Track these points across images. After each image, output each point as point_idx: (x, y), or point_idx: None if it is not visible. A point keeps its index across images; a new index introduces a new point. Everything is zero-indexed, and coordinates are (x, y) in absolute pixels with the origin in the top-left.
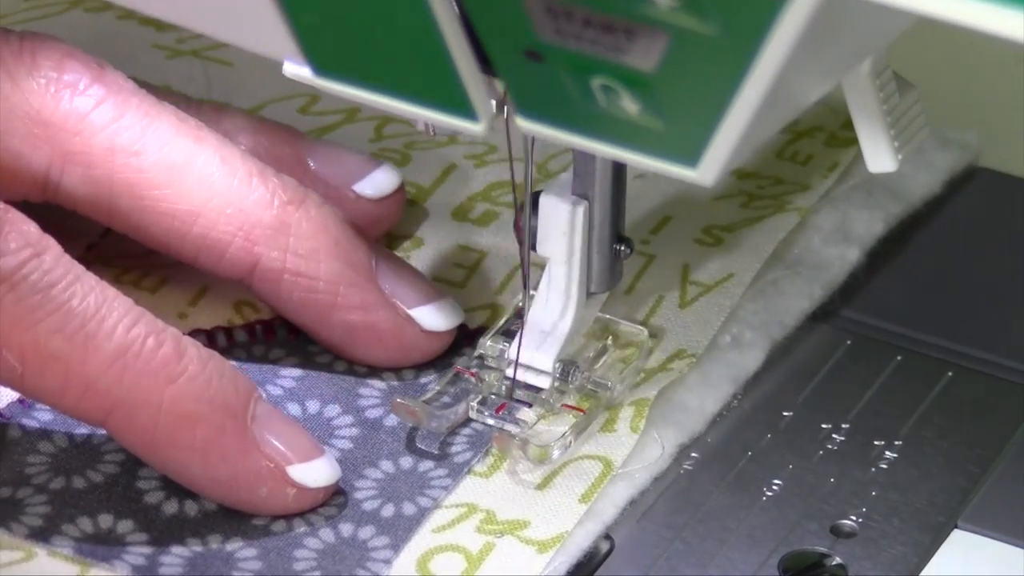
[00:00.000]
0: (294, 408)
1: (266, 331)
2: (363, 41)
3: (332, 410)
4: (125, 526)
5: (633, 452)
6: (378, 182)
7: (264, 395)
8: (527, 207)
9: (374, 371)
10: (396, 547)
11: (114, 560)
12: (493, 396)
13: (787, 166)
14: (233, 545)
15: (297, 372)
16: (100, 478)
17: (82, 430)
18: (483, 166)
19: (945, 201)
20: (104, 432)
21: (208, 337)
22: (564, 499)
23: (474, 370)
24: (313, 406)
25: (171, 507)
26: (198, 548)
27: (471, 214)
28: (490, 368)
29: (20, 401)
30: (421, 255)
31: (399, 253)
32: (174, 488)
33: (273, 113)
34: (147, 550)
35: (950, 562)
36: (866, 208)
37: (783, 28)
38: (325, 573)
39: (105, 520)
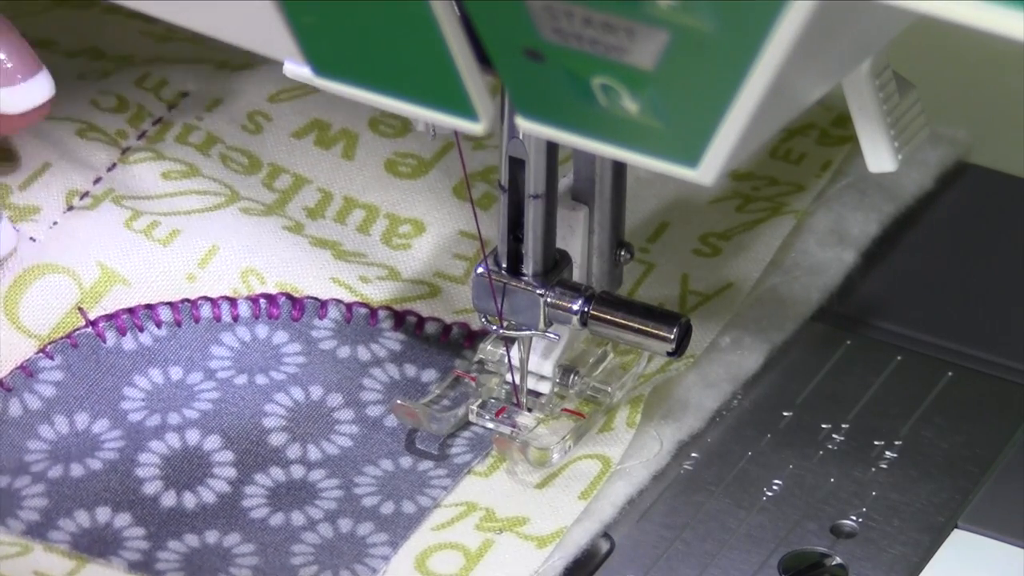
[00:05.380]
0: (297, 392)
1: (270, 304)
2: (363, 41)
3: (334, 399)
4: (123, 520)
5: (632, 449)
6: (12, 97)
7: (268, 380)
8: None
9: (377, 361)
10: (395, 544)
11: (110, 556)
12: (493, 400)
13: (780, 165)
14: (231, 540)
15: (301, 359)
16: (99, 465)
17: (83, 414)
18: (481, 149)
19: (937, 198)
20: (105, 418)
21: (213, 305)
22: (563, 496)
23: (474, 374)
24: (316, 392)
25: (169, 499)
26: (195, 544)
27: (471, 192)
28: (490, 373)
29: (22, 368)
30: (422, 242)
31: (400, 238)
32: (173, 479)
33: (272, 67)
34: (144, 545)
35: (950, 562)
36: (860, 209)
37: (783, 27)
38: (322, 568)
39: (103, 513)
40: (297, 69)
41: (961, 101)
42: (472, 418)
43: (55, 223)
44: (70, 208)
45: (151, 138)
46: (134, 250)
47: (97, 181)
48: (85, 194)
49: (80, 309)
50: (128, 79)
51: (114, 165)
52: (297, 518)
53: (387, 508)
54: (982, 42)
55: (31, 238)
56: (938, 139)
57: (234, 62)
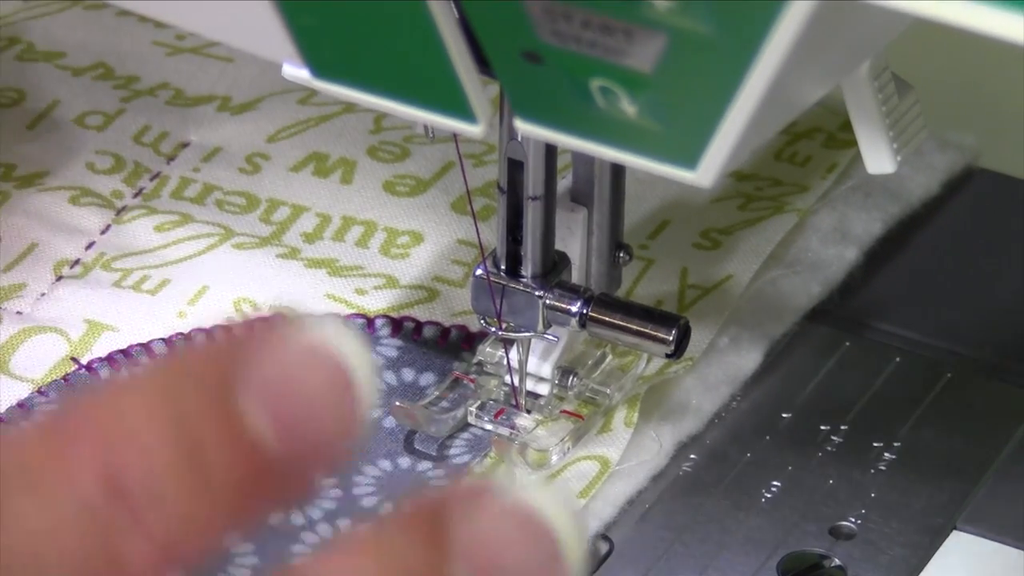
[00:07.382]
0: None
1: None
2: (361, 43)
3: None
4: None
5: (630, 450)
6: None
7: None
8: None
9: (374, 370)
10: None
11: None
12: (492, 401)
13: (785, 167)
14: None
15: None
16: None
17: None
18: (481, 166)
19: (943, 202)
20: None
21: (207, 335)
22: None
23: (472, 376)
24: None
25: None
26: None
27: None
28: (489, 374)
29: (20, 405)
30: (420, 251)
31: (398, 248)
32: None
33: (272, 105)
34: None
35: (949, 564)
36: (864, 209)
37: (782, 29)
38: None
39: None
40: (295, 71)
41: (968, 104)
42: (471, 420)
43: (43, 294)
44: (59, 278)
45: (147, 195)
46: (122, 302)
47: (89, 246)
48: (76, 262)
49: (73, 358)
50: (127, 133)
51: (108, 227)
52: (296, 517)
53: (386, 508)
54: (989, 45)
55: (17, 312)
56: (946, 145)
57: (236, 100)
